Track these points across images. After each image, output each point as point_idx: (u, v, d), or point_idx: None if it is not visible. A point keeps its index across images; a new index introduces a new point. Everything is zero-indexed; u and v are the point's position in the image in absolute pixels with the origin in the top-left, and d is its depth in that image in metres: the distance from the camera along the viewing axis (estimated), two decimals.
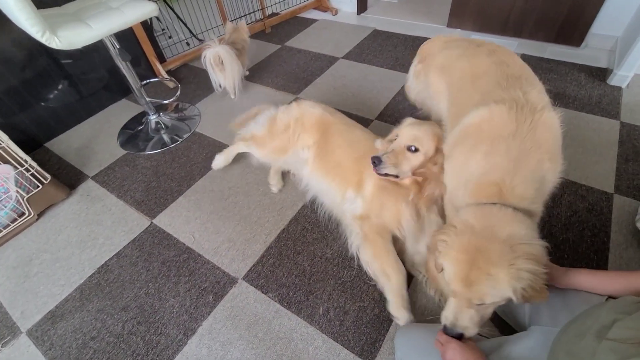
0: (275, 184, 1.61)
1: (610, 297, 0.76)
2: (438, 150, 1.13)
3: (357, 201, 1.29)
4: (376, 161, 1.14)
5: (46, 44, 1.32)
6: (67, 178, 1.79)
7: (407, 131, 1.17)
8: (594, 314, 0.67)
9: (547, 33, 2.34)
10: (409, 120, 1.23)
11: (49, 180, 1.60)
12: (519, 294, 0.72)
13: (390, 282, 1.14)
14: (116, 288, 1.32)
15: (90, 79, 2.18)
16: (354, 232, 1.27)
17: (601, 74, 2.06)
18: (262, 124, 1.61)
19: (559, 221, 1.35)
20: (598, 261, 1.22)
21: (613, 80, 1.95)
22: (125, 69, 1.77)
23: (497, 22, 2.47)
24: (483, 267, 0.73)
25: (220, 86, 2.17)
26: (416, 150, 1.14)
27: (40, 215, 1.62)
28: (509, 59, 1.11)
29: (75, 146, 2.00)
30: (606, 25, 2.19)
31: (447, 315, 0.83)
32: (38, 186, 1.57)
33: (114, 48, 1.68)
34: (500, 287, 0.72)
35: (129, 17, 1.48)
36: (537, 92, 0.96)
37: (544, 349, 0.75)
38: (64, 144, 2.03)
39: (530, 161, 0.84)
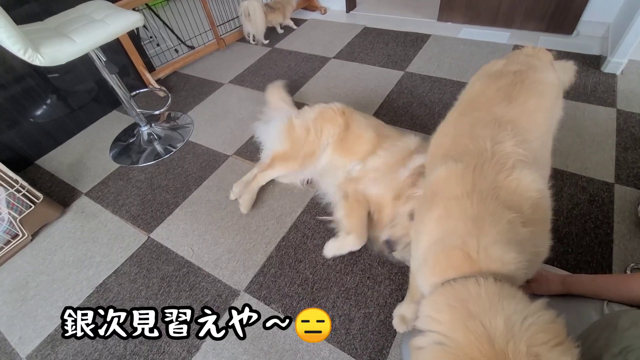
0: (245, 204, 1.52)
1: (610, 301, 0.74)
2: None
3: (356, 167, 1.38)
4: (392, 247, 1.11)
5: (29, 61, 1.28)
6: (60, 195, 1.75)
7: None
8: (601, 339, 0.63)
9: (538, 22, 2.33)
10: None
11: (41, 199, 1.57)
12: None
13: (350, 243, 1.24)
14: (116, 307, 1.29)
15: (78, 92, 2.14)
16: (340, 193, 1.35)
17: (595, 62, 2.05)
18: (279, 139, 1.55)
19: (560, 214, 1.34)
20: (602, 253, 1.21)
21: (607, 68, 1.94)
22: (113, 81, 1.73)
23: (488, 13, 2.45)
24: None
25: (248, 35, 2.78)
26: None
27: (34, 235, 1.58)
28: (522, 94, 0.89)
29: (67, 162, 1.96)
30: (597, 12, 2.17)
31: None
32: (30, 206, 1.54)
33: (100, 61, 1.64)
34: None
35: (114, 28, 1.45)
36: (513, 143, 0.77)
37: None
38: (55, 160, 1.99)
39: (497, 222, 0.66)
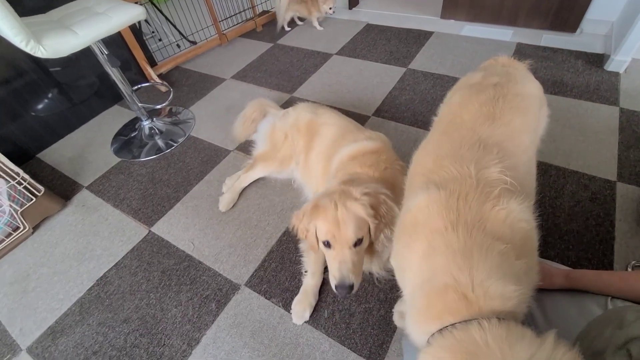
0: (225, 203, 1.52)
1: (614, 297, 0.74)
2: (376, 204, 0.97)
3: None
4: (348, 291, 0.96)
5: (31, 53, 1.28)
6: (62, 189, 1.75)
7: (336, 228, 0.95)
8: (605, 333, 0.64)
9: (541, 20, 2.32)
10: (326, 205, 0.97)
11: (42, 192, 1.57)
12: None
13: (306, 278, 1.21)
14: (116, 300, 1.29)
15: (80, 86, 2.14)
16: None
17: (598, 60, 2.04)
18: (263, 140, 1.57)
19: (562, 211, 1.34)
20: (604, 251, 1.21)
21: (610, 66, 1.93)
22: (115, 75, 1.73)
23: (491, 11, 2.44)
24: None
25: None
26: (361, 240, 0.98)
27: (35, 228, 1.58)
28: (505, 113, 0.85)
29: (68, 156, 1.96)
30: (601, 10, 2.16)
31: None
32: (32, 199, 1.54)
33: (102, 54, 1.64)
34: None
35: (116, 21, 1.45)
36: (499, 170, 0.72)
37: None
38: (57, 153, 1.99)
39: (487, 255, 0.60)
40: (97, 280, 1.36)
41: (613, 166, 1.47)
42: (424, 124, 1.81)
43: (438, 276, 0.61)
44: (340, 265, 0.95)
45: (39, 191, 1.56)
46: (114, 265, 1.40)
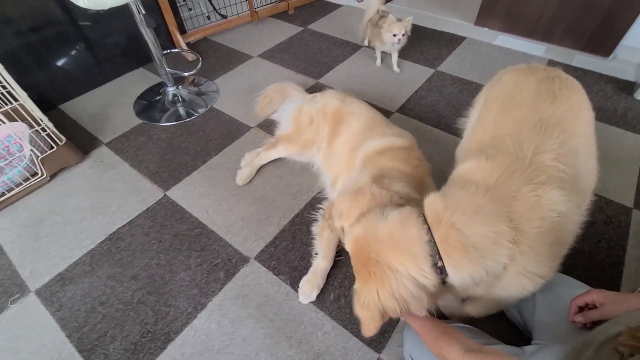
0: (242, 177, 1.54)
1: None
2: None
3: (334, 191, 1.37)
4: None
5: (73, 1, 1.28)
6: (81, 142, 1.76)
7: None
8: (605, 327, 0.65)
9: (576, 40, 2.29)
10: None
11: (63, 142, 1.58)
12: None
13: (316, 260, 1.22)
14: (127, 256, 1.31)
15: (107, 43, 2.13)
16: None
17: (629, 87, 2.03)
18: (287, 121, 1.57)
19: None
20: (612, 274, 1.22)
21: None
22: (148, 36, 1.73)
23: (527, 24, 2.41)
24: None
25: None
26: None
27: (52, 177, 1.60)
28: (564, 91, 0.86)
29: (90, 111, 1.97)
30: (638, 38, 2.14)
31: None
32: (52, 147, 1.55)
33: (139, 13, 1.63)
34: None
35: None
36: (555, 156, 0.73)
37: None
38: (79, 107, 2.00)
39: (486, 222, 0.68)
40: (110, 235, 1.38)
41: (631, 193, 1.47)
42: (447, 127, 1.81)
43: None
44: None
45: (60, 140, 1.58)
46: (127, 223, 1.42)
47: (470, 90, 2.03)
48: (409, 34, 2.04)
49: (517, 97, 0.90)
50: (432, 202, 0.76)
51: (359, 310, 0.76)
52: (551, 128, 0.78)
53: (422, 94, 2.02)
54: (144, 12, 1.63)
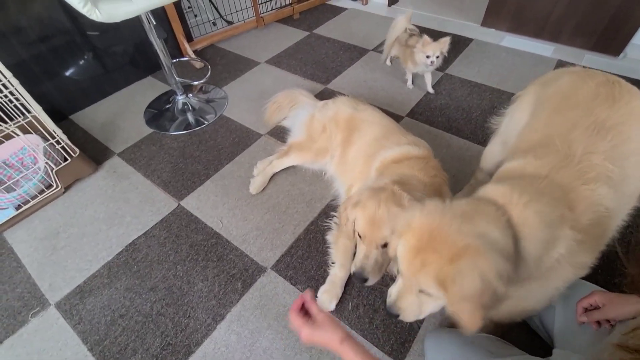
0: (256, 186, 1.53)
1: None
2: None
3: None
4: (362, 281, 1.02)
5: (87, 15, 1.29)
6: (93, 153, 1.77)
7: (370, 227, 0.97)
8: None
9: (585, 40, 2.28)
10: (358, 200, 0.99)
11: (77, 154, 1.59)
12: (451, 299, 0.66)
13: (333, 269, 1.22)
14: (144, 268, 1.32)
15: (116, 52, 2.15)
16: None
17: (638, 86, 2.01)
18: (299, 129, 1.58)
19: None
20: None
21: None
22: (158, 46, 1.74)
23: (535, 24, 2.40)
24: (429, 258, 0.68)
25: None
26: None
27: (67, 188, 1.61)
28: (624, 95, 0.83)
29: (101, 121, 1.98)
30: None
31: (391, 292, 0.80)
32: (66, 159, 1.56)
33: (149, 24, 1.64)
34: (434, 287, 0.67)
35: None
36: (605, 157, 0.74)
37: None
38: (89, 117, 2.01)
39: (550, 206, 0.69)
40: (126, 246, 1.38)
41: None
42: (457, 131, 1.80)
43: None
44: (363, 259, 1.00)
45: (74, 152, 1.59)
46: (143, 234, 1.42)
47: (479, 92, 2.03)
48: (446, 54, 1.88)
49: (572, 99, 0.89)
50: (494, 189, 0.75)
51: (457, 304, 0.65)
52: (605, 131, 0.77)
53: (431, 98, 2.01)
54: (154, 23, 1.63)
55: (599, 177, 0.71)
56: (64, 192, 1.60)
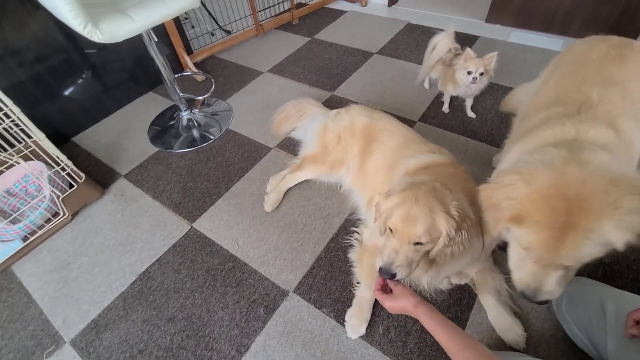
0: (270, 203, 1.48)
1: None
2: (458, 228, 0.88)
3: (369, 212, 1.30)
4: (390, 277, 0.91)
5: (87, 36, 1.23)
6: (99, 176, 1.72)
7: (404, 221, 0.87)
8: None
9: (596, 31, 2.20)
10: (395, 200, 0.90)
11: (83, 179, 1.54)
12: (625, 242, 0.58)
13: (359, 290, 1.17)
14: (160, 297, 1.26)
15: (115, 69, 2.09)
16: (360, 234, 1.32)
17: None
18: (312, 141, 1.51)
19: None
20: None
21: None
22: (160, 62, 1.68)
23: (542, 18, 2.34)
24: (581, 225, 0.59)
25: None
26: (423, 243, 0.89)
27: (74, 215, 1.56)
28: (633, 55, 0.88)
29: (104, 141, 1.93)
30: None
31: (527, 282, 0.72)
32: (72, 185, 1.51)
33: (150, 41, 1.58)
34: (605, 241, 0.59)
35: (173, 8, 1.39)
36: (621, 98, 0.80)
37: None
38: (92, 138, 1.96)
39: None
40: (140, 275, 1.33)
41: None
42: (474, 134, 1.75)
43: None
44: (392, 253, 0.89)
45: (80, 178, 1.53)
46: (156, 260, 1.37)
47: (491, 92, 1.97)
48: (492, 73, 1.64)
49: (584, 61, 0.94)
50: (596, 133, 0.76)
51: None
52: (614, 84, 0.82)
53: (443, 100, 1.95)
54: (156, 40, 1.58)
55: (625, 113, 0.78)
56: (71, 220, 1.54)
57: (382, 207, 0.93)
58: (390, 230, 0.91)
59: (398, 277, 0.90)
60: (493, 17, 2.54)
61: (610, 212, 0.58)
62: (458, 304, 1.16)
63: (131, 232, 1.47)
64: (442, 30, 1.87)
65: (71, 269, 1.37)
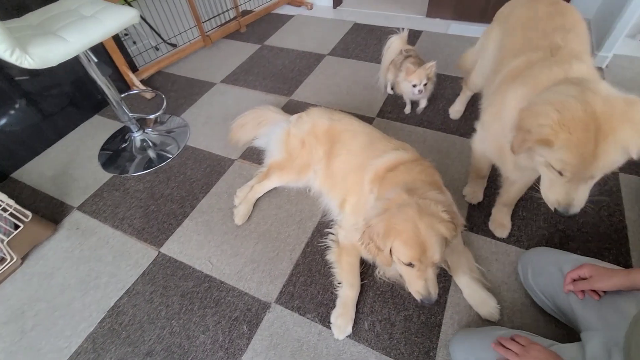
0: (240, 216, 1.45)
1: None
2: (455, 227, 0.94)
3: (339, 215, 1.35)
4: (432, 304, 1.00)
5: (16, 63, 1.13)
6: (48, 211, 1.58)
7: (420, 252, 0.90)
8: None
9: None
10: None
11: (30, 218, 1.41)
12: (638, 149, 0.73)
13: (342, 290, 1.17)
14: (134, 331, 1.18)
15: (53, 95, 1.94)
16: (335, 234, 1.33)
17: None
18: (277, 148, 1.50)
19: None
20: (619, 240, 1.27)
21: (594, 62, 2.05)
22: (103, 83, 1.58)
23: (477, 9, 2.50)
24: (609, 137, 0.72)
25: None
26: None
27: (24, 258, 1.42)
28: (567, 11, 1.13)
29: (50, 174, 1.78)
30: (579, 9, 2.29)
31: (559, 199, 0.85)
32: (18, 226, 1.37)
33: (89, 62, 1.49)
34: (625, 149, 0.74)
35: (110, 25, 1.32)
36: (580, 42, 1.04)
37: (606, 350, 0.76)
38: (35, 172, 1.80)
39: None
40: (108, 311, 1.24)
41: None
42: (429, 124, 1.83)
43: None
44: (427, 284, 0.93)
45: (26, 217, 1.40)
46: (125, 293, 1.28)
47: (440, 82, 2.07)
48: (434, 78, 1.72)
49: (534, 20, 1.14)
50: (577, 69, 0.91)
51: None
52: (566, 31, 1.04)
53: (395, 95, 2.02)
54: (96, 60, 1.48)
55: (584, 49, 1.02)
56: (21, 264, 1.40)
57: (381, 246, 0.94)
58: (409, 264, 0.93)
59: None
60: (432, 11, 2.67)
61: (629, 124, 0.72)
62: None
63: (93, 267, 1.37)
64: (390, 28, 1.93)
65: (27, 317, 1.25)
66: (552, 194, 0.86)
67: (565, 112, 0.75)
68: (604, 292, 0.86)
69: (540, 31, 1.08)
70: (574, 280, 0.90)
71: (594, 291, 0.87)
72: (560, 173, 0.81)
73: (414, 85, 1.67)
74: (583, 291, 0.88)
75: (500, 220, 1.34)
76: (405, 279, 0.99)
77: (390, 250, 0.94)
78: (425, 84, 1.68)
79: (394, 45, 1.86)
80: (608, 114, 0.73)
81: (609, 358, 0.75)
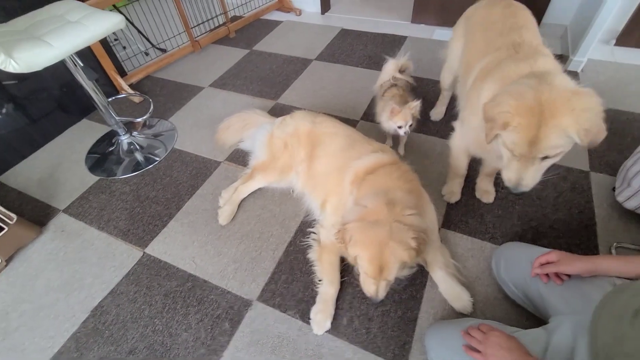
0: (225, 216, 1.48)
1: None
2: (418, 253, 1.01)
3: (320, 215, 1.39)
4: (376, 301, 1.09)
5: (1, 67, 1.16)
6: (34, 214, 1.60)
7: (376, 270, 0.98)
8: (622, 298, 0.71)
9: None
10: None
11: (14, 220, 1.42)
12: (582, 135, 0.81)
13: (322, 287, 1.21)
14: (117, 330, 1.20)
15: (40, 99, 1.95)
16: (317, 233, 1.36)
17: (561, 61, 2.23)
18: (260, 150, 1.54)
19: (548, 202, 1.45)
20: (588, 235, 1.33)
21: (570, 66, 2.13)
22: (90, 87, 1.61)
23: (460, 15, 2.56)
24: (550, 122, 0.81)
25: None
26: None
27: (8, 260, 1.43)
28: (519, 9, 1.27)
29: (36, 177, 1.79)
30: (556, 15, 2.38)
31: (510, 177, 0.93)
32: (3, 228, 1.39)
33: (75, 67, 1.51)
34: (566, 134, 0.81)
35: (94, 31, 1.35)
36: (533, 36, 1.17)
37: (573, 333, 0.80)
38: (22, 175, 1.81)
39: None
40: (92, 311, 1.25)
41: (585, 158, 1.62)
42: (417, 126, 1.87)
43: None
44: (375, 291, 1.03)
45: (10, 219, 1.41)
46: (109, 293, 1.30)
47: (423, 86, 2.12)
48: (418, 116, 1.58)
49: (491, 21, 1.27)
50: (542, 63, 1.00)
51: (586, 137, 0.83)
52: (518, 28, 1.16)
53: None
54: (82, 65, 1.51)
55: (540, 42, 1.15)
56: (6, 265, 1.41)
57: (350, 252, 1.03)
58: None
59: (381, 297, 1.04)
60: (417, 17, 2.74)
61: (569, 112, 0.80)
62: (412, 284, 1.24)
63: (77, 269, 1.39)
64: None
65: (11, 318, 1.26)
66: (506, 172, 0.95)
67: (520, 99, 0.85)
68: (569, 277, 0.91)
69: (497, 31, 1.20)
70: (542, 265, 0.96)
71: (558, 277, 0.92)
72: (513, 153, 0.90)
73: (400, 127, 1.52)
74: (547, 275, 0.94)
75: (485, 188, 1.47)
76: (361, 279, 1.07)
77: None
78: (411, 125, 1.54)
79: (387, 69, 1.75)
80: (552, 101, 0.81)
81: (574, 341, 0.79)
